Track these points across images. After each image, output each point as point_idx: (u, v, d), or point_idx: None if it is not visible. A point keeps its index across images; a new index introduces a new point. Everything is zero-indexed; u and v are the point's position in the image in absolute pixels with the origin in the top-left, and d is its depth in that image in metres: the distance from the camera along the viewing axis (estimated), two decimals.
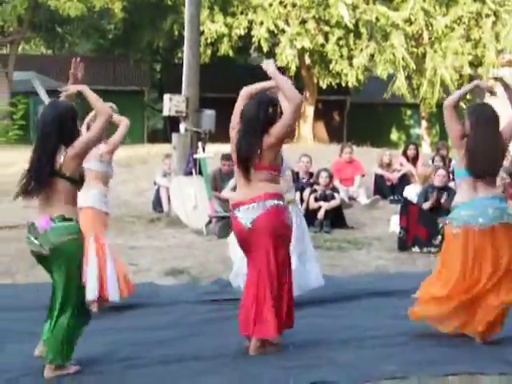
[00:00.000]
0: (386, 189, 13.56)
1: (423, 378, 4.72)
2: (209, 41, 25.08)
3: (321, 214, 11.01)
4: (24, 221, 11.30)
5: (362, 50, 24.57)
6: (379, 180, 13.73)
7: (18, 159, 16.96)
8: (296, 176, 11.34)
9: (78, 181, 4.99)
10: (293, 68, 25.17)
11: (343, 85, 26.27)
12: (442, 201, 10.30)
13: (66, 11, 25.02)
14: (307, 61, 26.90)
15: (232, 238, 7.22)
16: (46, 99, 22.58)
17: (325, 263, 8.84)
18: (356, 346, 5.50)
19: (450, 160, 13.93)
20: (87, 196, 6.54)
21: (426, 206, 10.32)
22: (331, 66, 25.06)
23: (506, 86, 5.88)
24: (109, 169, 7.00)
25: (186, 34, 12.51)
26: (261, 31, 24.63)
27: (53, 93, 24.23)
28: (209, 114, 12.00)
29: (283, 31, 24.92)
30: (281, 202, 5.30)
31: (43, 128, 4.90)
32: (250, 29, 25.14)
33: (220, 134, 16.44)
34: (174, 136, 12.04)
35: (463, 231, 5.50)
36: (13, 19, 26.15)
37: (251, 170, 5.28)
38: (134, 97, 31.74)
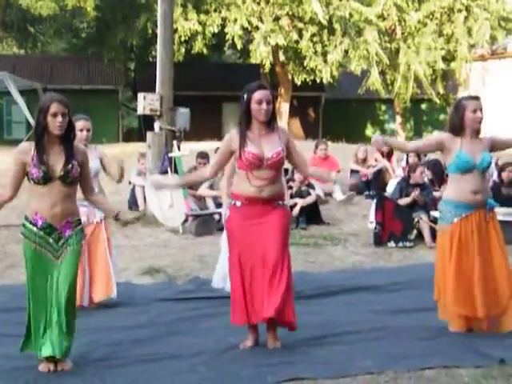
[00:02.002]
0: (361, 184, 13.60)
1: (399, 372, 4.73)
2: (182, 39, 25.07)
3: (296, 211, 11.03)
4: None
5: (335, 46, 24.67)
6: (354, 176, 13.77)
7: None
8: None
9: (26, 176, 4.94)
10: (267, 65, 25.21)
11: (318, 81, 26.36)
12: (417, 196, 10.34)
13: (38, 10, 24.91)
14: (281, 57, 26.96)
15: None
16: (18, 99, 22.39)
17: (301, 259, 8.87)
18: (332, 342, 5.51)
19: (425, 155, 14.01)
20: None
21: (404, 201, 10.35)
22: (305, 63, 25.14)
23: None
24: None
25: (159, 32, 12.45)
26: (234, 28, 24.66)
27: (26, 93, 24.08)
28: (183, 112, 11.95)
29: (257, 28, 24.95)
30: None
31: None
32: (223, 26, 25.16)
33: (195, 132, 16.47)
34: (149, 135, 11.99)
35: None
36: None
37: None
38: (109, 96, 31.62)
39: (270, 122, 5.33)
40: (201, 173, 5.72)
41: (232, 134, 5.39)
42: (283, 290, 5.21)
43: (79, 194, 5.20)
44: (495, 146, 5.83)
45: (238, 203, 5.34)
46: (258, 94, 5.24)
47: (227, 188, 6.18)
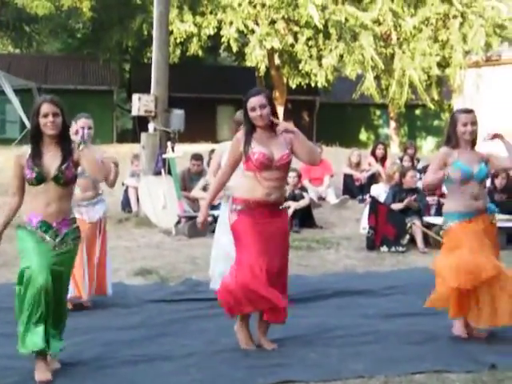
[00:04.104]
0: (354, 188, 13.63)
1: (390, 376, 4.74)
2: (178, 40, 25.05)
3: (289, 214, 11.01)
4: None
5: (331, 50, 24.69)
6: (348, 180, 13.80)
7: None
8: None
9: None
10: (262, 68, 25.23)
11: (312, 85, 26.37)
12: (409, 202, 10.34)
13: (34, 10, 24.83)
14: (277, 61, 26.98)
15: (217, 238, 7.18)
16: (13, 98, 22.37)
17: (294, 263, 8.84)
18: (324, 345, 5.52)
19: (418, 160, 14.05)
20: None
21: (397, 206, 10.35)
22: (300, 66, 25.16)
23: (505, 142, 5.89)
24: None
25: (154, 33, 12.47)
26: (230, 31, 24.66)
27: (20, 92, 24.02)
28: (178, 114, 11.96)
29: (253, 31, 24.96)
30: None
31: None
32: (219, 29, 25.16)
33: (189, 133, 16.47)
34: (143, 136, 11.99)
35: None
36: None
37: None
38: (103, 96, 31.56)
39: (272, 126, 5.39)
40: (220, 179, 5.65)
41: (239, 136, 5.42)
42: (285, 293, 5.42)
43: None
44: (490, 163, 5.82)
45: (244, 207, 5.32)
46: (250, 102, 5.33)
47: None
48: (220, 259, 6.94)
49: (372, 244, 10.01)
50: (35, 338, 4.83)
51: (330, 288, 7.66)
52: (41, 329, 4.84)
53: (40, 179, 4.86)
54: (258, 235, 5.28)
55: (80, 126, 6.72)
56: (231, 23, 24.66)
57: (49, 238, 4.90)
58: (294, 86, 26.92)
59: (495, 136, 5.78)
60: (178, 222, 10.93)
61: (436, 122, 35.43)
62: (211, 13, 25.31)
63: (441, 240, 5.96)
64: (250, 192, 5.32)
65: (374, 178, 13.59)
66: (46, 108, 4.87)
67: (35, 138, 4.92)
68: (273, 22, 24.86)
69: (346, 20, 24.24)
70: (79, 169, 5.12)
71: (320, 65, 24.93)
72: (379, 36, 25.29)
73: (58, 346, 4.99)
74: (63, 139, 4.96)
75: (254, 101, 5.31)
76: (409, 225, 10.08)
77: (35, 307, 4.80)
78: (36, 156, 4.89)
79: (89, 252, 6.88)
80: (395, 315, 6.49)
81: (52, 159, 4.91)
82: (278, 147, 5.34)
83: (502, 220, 9.94)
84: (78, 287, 6.71)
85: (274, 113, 5.42)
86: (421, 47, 24.96)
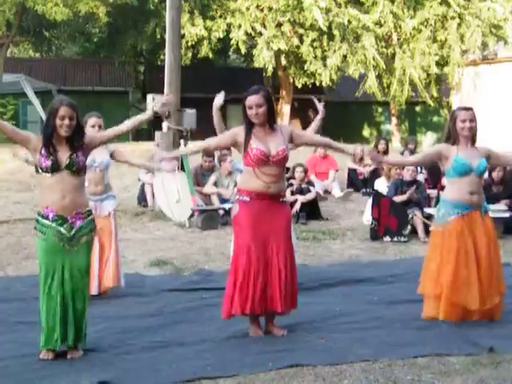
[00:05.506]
0: (358, 182, 13.61)
1: (394, 359, 4.73)
2: (189, 43, 25.05)
3: (297, 207, 11.03)
4: (15, 216, 11.27)
5: (335, 51, 24.62)
6: (352, 174, 13.79)
7: (7, 158, 16.82)
8: None
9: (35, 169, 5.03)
10: (270, 69, 25.19)
11: (318, 84, 26.32)
12: (411, 194, 10.33)
13: (53, 16, 24.82)
14: (283, 62, 26.95)
15: None
16: (34, 100, 22.41)
17: (301, 253, 8.86)
18: (331, 331, 5.51)
19: None
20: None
21: (399, 199, 10.34)
22: (306, 67, 25.10)
23: None
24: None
25: (167, 37, 12.47)
26: (239, 34, 24.63)
27: (40, 94, 24.05)
28: (190, 113, 11.97)
29: (260, 34, 24.92)
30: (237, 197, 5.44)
31: None
32: (228, 32, 25.14)
33: (201, 131, 16.44)
34: (157, 134, 12.00)
35: None
36: (1, 24, 25.94)
37: None
38: (119, 97, 31.60)
39: (270, 123, 5.37)
40: (201, 144, 5.70)
41: (239, 129, 5.41)
42: (294, 284, 5.41)
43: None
44: (490, 158, 5.83)
45: (247, 198, 5.34)
46: (247, 101, 5.33)
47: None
48: None
49: (375, 234, 10.00)
50: (48, 338, 4.95)
51: (336, 276, 7.66)
52: (54, 329, 4.93)
53: (55, 167, 4.90)
54: (255, 228, 5.29)
55: (90, 125, 6.75)
56: (240, 26, 24.63)
57: (64, 231, 4.93)
58: (299, 86, 26.87)
59: None
60: (192, 216, 10.94)
61: (435, 118, 35.33)
62: (220, 17, 25.30)
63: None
64: (251, 184, 5.33)
65: (376, 172, 13.57)
66: (63, 111, 4.92)
67: (50, 135, 4.97)
68: (279, 25, 24.81)
69: (349, 22, 24.16)
70: (88, 159, 5.22)
71: (324, 65, 24.88)
72: (380, 37, 25.20)
73: (82, 334, 5.04)
74: (73, 137, 5.01)
75: (251, 99, 5.30)
76: (410, 216, 10.06)
77: (48, 309, 4.93)
78: (49, 148, 4.94)
79: (100, 247, 6.87)
80: (398, 302, 6.48)
81: (63, 152, 4.97)
82: (276, 143, 5.34)
83: (499, 211, 9.92)
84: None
85: (272, 111, 5.39)
86: (420, 47, 24.87)
